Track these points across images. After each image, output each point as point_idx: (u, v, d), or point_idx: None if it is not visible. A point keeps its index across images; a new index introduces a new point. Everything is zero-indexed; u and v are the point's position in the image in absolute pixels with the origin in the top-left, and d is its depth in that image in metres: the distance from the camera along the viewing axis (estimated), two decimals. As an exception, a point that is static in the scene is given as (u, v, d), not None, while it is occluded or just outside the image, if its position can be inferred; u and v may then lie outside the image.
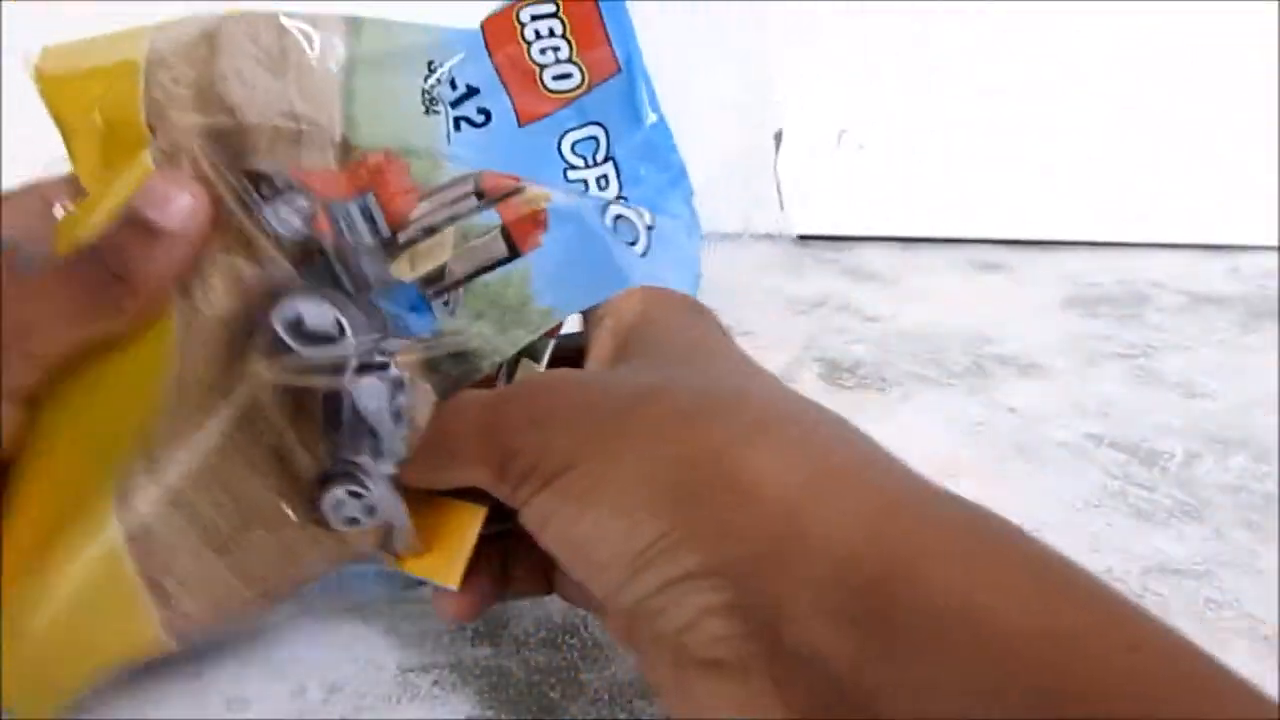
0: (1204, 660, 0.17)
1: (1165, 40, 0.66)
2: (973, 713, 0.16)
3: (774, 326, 0.53)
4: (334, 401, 0.26)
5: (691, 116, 0.31)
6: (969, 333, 0.54)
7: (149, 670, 0.27)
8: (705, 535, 0.19)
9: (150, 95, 0.26)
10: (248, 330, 0.26)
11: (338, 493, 0.25)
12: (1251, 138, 0.68)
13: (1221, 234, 0.72)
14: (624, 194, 0.29)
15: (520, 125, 0.29)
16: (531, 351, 0.28)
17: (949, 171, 0.67)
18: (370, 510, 0.26)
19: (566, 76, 0.29)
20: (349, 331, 0.26)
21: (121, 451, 0.25)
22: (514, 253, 0.27)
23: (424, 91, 0.28)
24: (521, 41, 0.29)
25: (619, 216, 0.29)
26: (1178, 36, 0.66)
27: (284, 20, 0.27)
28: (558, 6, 0.28)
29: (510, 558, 0.26)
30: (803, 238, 0.68)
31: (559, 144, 0.29)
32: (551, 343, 0.28)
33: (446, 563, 0.26)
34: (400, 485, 0.26)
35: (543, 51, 0.29)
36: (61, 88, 0.26)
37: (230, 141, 0.26)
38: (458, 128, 0.28)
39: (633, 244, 0.29)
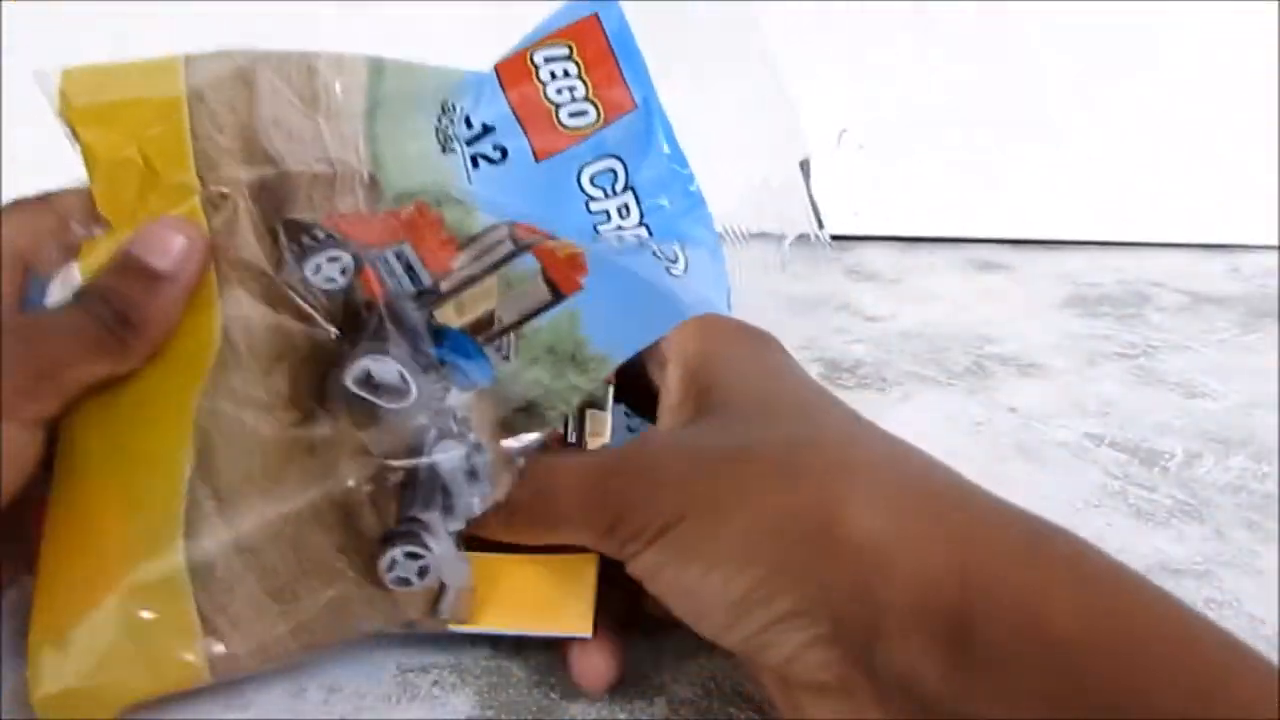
0: (1256, 659, 0.19)
1: (1165, 41, 0.66)
2: (1047, 716, 0.18)
3: (774, 326, 0.53)
4: (413, 457, 0.26)
5: (715, 156, 0.31)
6: (969, 333, 0.54)
7: (149, 670, 0.27)
8: (799, 580, 0.21)
9: (199, 146, 0.26)
10: (307, 383, 0.27)
11: (395, 553, 0.26)
12: (1251, 138, 0.68)
13: (1221, 234, 0.72)
14: (645, 221, 0.30)
15: (537, 160, 0.29)
16: (594, 400, 0.28)
17: (949, 171, 0.67)
18: (423, 572, 0.26)
19: (582, 114, 0.29)
20: (412, 382, 0.27)
21: (174, 480, 0.26)
22: (557, 295, 0.28)
23: (438, 130, 0.28)
24: (537, 82, 0.29)
25: (654, 252, 0.29)
26: (1178, 37, 0.66)
27: (313, 62, 0.28)
28: (571, 49, 0.29)
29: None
30: (803, 237, 0.68)
31: (578, 177, 0.29)
32: (611, 389, 0.29)
33: (575, 614, 0.27)
34: (465, 546, 0.27)
35: (559, 91, 0.29)
36: (94, 118, 0.27)
37: (274, 193, 0.27)
38: (475, 165, 0.29)
39: (674, 263, 0.29)
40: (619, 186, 0.29)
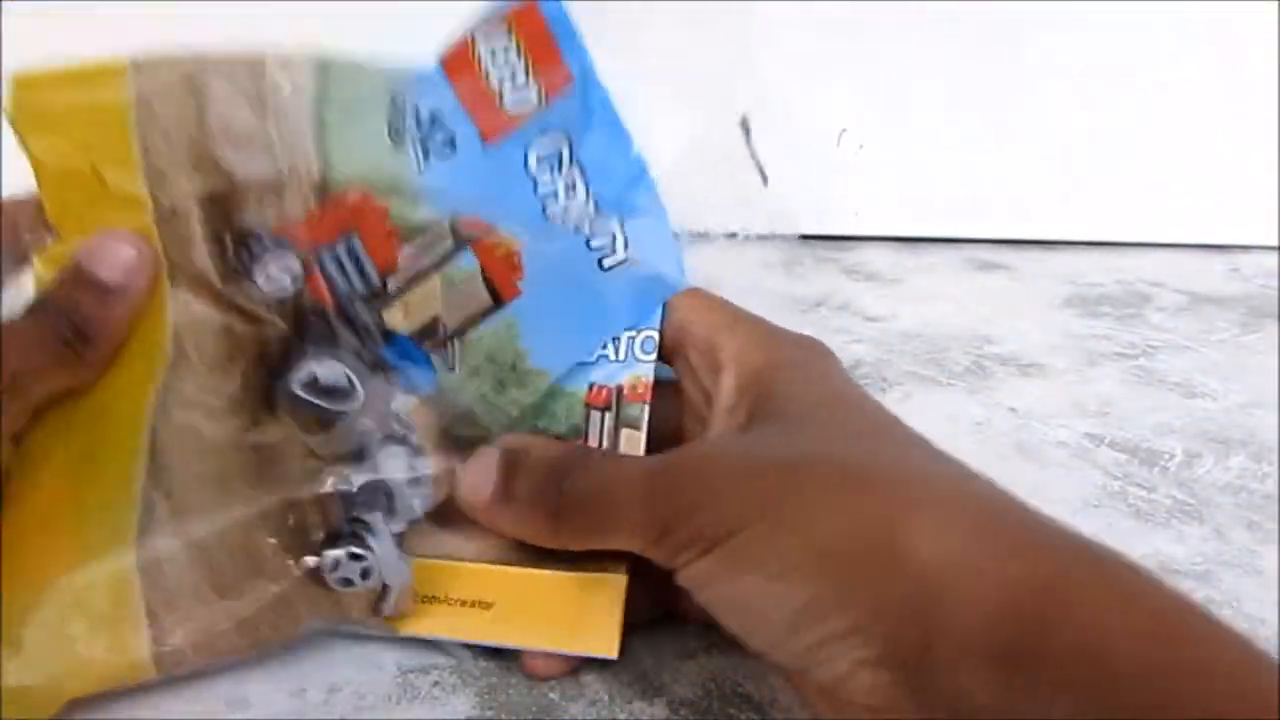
0: None
1: (1165, 41, 0.66)
2: None
3: (774, 326, 0.53)
4: (356, 465, 0.27)
5: (658, 122, 0.31)
6: (969, 333, 0.54)
7: (149, 671, 0.27)
8: (857, 599, 0.21)
9: (149, 160, 0.27)
10: (256, 387, 0.27)
11: (338, 553, 0.27)
12: (1251, 138, 0.68)
13: (1221, 234, 0.72)
14: (592, 193, 0.30)
15: (485, 145, 0.29)
16: (630, 420, 0.29)
17: (949, 171, 0.67)
18: (366, 573, 0.27)
19: (524, 97, 0.29)
20: (358, 385, 0.27)
21: (128, 484, 0.26)
22: (496, 300, 0.29)
23: (389, 125, 0.29)
24: (479, 69, 0.29)
25: (588, 241, 0.30)
26: (1178, 37, 0.66)
27: (261, 62, 0.28)
28: (510, 32, 0.29)
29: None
30: (803, 237, 0.68)
31: (525, 159, 0.30)
32: (647, 408, 0.29)
33: (603, 634, 0.27)
34: (405, 545, 0.27)
35: (500, 75, 0.29)
36: (41, 126, 0.26)
37: (223, 203, 0.27)
38: (426, 157, 0.29)
39: (609, 252, 0.30)
40: (564, 163, 0.30)
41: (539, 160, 0.30)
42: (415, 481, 0.28)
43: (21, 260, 0.27)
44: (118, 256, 0.26)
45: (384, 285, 0.28)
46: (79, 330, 0.25)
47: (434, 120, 0.29)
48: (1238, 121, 0.68)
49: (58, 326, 0.25)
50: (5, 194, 0.27)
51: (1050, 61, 0.66)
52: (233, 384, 0.27)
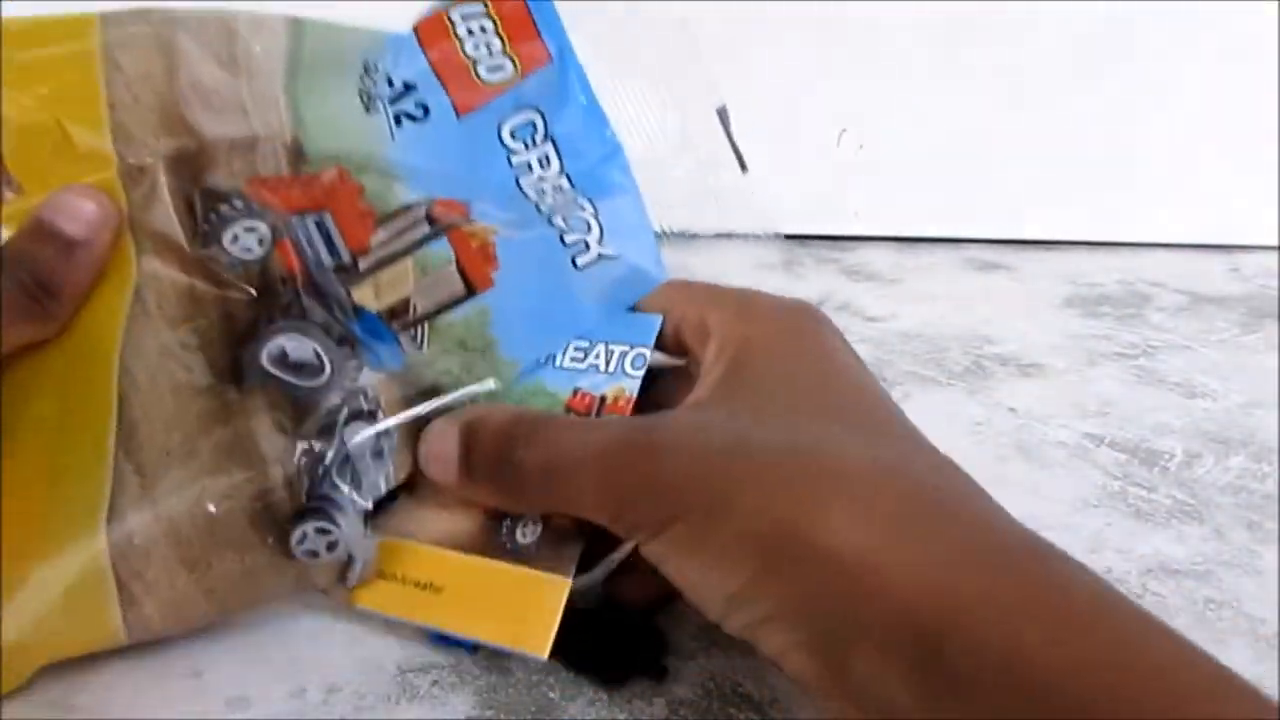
0: (1241, 687, 0.19)
1: (1165, 40, 0.66)
2: None
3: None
4: (324, 441, 0.28)
5: (631, 107, 0.32)
6: (969, 333, 0.54)
7: (149, 670, 0.27)
8: (781, 587, 0.22)
9: (116, 118, 0.26)
10: (223, 356, 0.27)
11: (306, 528, 0.27)
12: (1251, 138, 0.68)
13: (1222, 234, 0.72)
14: (566, 170, 0.30)
15: (459, 117, 0.30)
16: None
17: (949, 171, 0.67)
18: (331, 546, 0.27)
19: (500, 69, 0.30)
20: (326, 360, 0.28)
21: (99, 449, 0.26)
22: (470, 289, 0.29)
23: (361, 90, 0.29)
24: (454, 39, 0.30)
25: (568, 218, 0.30)
26: (1178, 37, 0.66)
27: (232, 23, 0.28)
28: (486, 5, 0.30)
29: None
30: (803, 237, 0.68)
31: (499, 131, 0.30)
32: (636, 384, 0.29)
33: (537, 634, 0.27)
34: (370, 520, 0.28)
35: (475, 47, 0.30)
36: (5, 79, 0.26)
37: (192, 163, 0.27)
38: (399, 123, 0.29)
39: (582, 247, 0.30)
40: (539, 138, 0.30)
41: (513, 133, 0.30)
42: (380, 457, 0.28)
43: None
44: (80, 210, 0.25)
45: (354, 263, 0.29)
46: (43, 283, 0.25)
47: (407, 87, 0.29)
48: (1238, 121, 0.68)
49: (22, 280, 0.25)
50: None
51: (1050, 61, 0.66)
52: (195, 343, 0.27)
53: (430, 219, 0.29)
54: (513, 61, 0.30)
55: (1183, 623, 0.31)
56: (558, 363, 0.30)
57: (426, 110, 0.29)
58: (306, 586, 0.28)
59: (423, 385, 0.29)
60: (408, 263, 0.29)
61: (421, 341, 0.29)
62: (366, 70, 0.29)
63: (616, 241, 0.31)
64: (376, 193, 0.29)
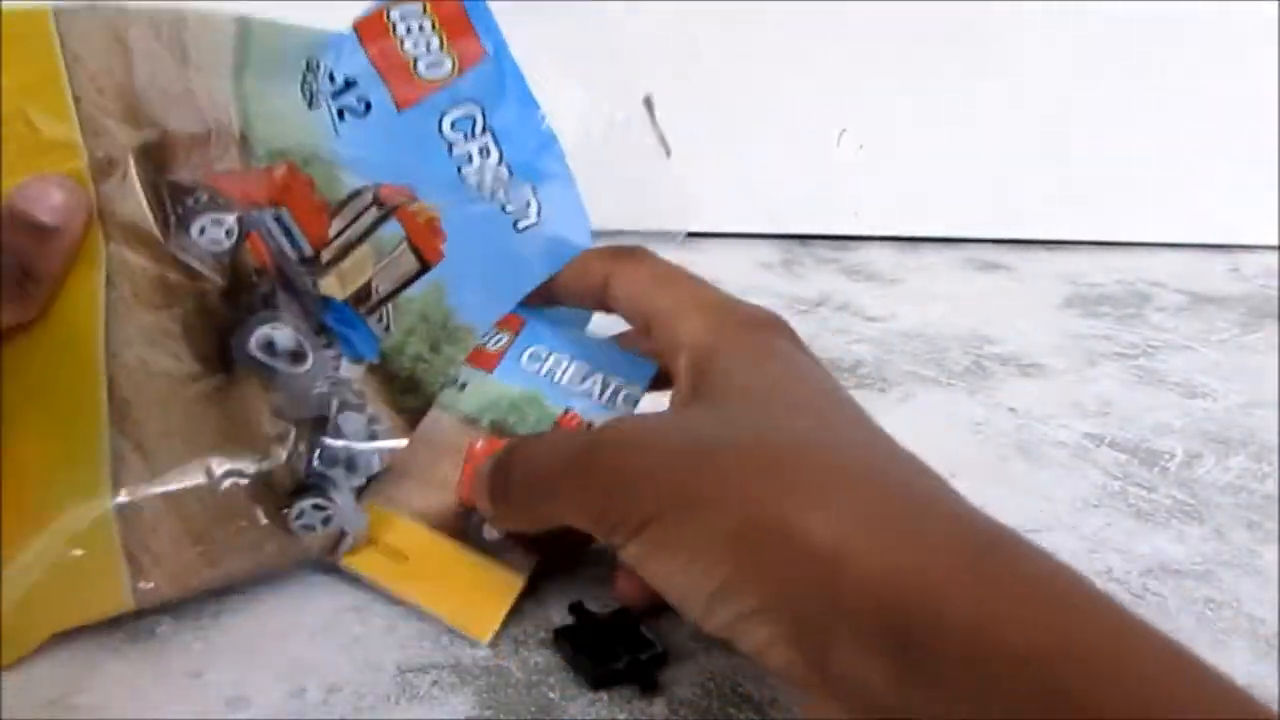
0: (1198, 667, 0.19)
1: (1165, 41, 0.66)
2: None
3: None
4: (319, 427, 0.30)
5: (562, 98, 0.33)
6: (969, 333, 0.54)
7: (149, 670, 0.27)
8: (761, 581, 0.22)
9: (83, 111, 0.27)
10: (208, 343, 0.28)
11: (303, 504, 0.29)
12: (1251, 138, 0.68)
13: (1222, 234, 0.72)
14: (505, 160, 0.32)
15: (399, 111, 0.31)
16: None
17: (949, 171, 0.67)
18: (326, 521, 0.29)
19: (439, 65, 0.31)
20: (308, 348, 0.30)
21: (94, 431, 0.27)
22: (424, 264, 0.31)
23: (303, 87, 0.30)
24: (394, 37, 0.31)
25: (504, 206, 0.32)
26: (1178, 37, 0.66)
27: (182, 18, 0.28)
28: (424, 5, 0.31)
29: None
30: (803, 237, 0.68)
31: (439, 124, 0.31)
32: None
33: (483, 621, 0.29)
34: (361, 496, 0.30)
35: (414, 45, 0.31)
36: None
37: (156, 154, 0.28)
38: (341, 118, 0.30)
39: (524, 217, 0.32)
40: (478, 129, 0.31)
41: (453, 125, 0.31)
42: (374, 439, 0.30)
43: None
44: (51, 200, 0.26)
45: (317, 256, 0.30)
46: (26, 270, 0.26)
47: (348, 84, 0.31)
48: (1238, 121, 0.68)
49: (8, 265, 0.26)
50: None
51: (1051, 62, 0.66)
52: (178, 330, 0.28)
53: (378, 202, 0.30)
54: (451, 58, 0.31)
55: (1183, 623, 0.31)
56: (557, 379, 0.32)
57: (368, 106, 0.31)
58: (302, 556, 0.30)
59: (400, 374, 0.31)
60: (365, 248, 0.30)
61: (388, 322, 0.31)
62: (309, 67, 0.30)
63: (554, 222, 0.32)
64: (325, 183, 0.30)
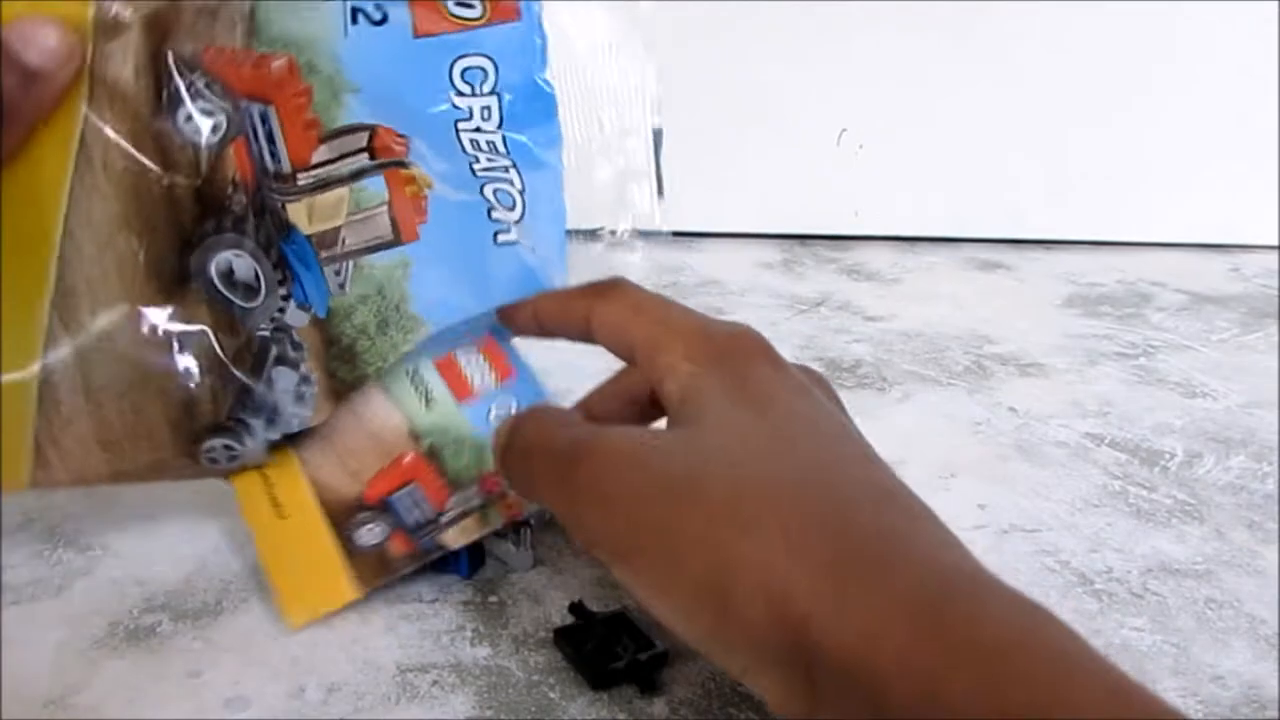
0: (1142, 703, 0.19)
1: (1165, 40, 0.66)
2: None
3: (774, 327, 0.53)
4: (254, 373, 0.30)
5: (576, 102, 0.32)
6: (969, 333, 0.54)
7: (148, 670, 0.27)
8: (744, 639, 0.22)
9: None
10: (166, 252, 0.28)
11: (216, 442, 0.30)
12: (1251, 138, 0.68)
13: (1222, 234, 0.72)
14: (504, 129, 0.31)
15: (415, 37, 0.29)
16: None
17: (949, 171, 0.67)
18: (232, 459, 0.30)
19: (469, 5, 0.30)
20: (263, 283, 0.29)
21: (36, 302, 0.27)
22: (397, 237, 0.30)
23: None
24: None
25: (496, 190, 0.31)
26: (1178, 36, 0.66)
27: None
28: None
29: None
30: (803, 237, 0.68)
31: (450, 68, 0.30)
32: None
33: (301, 609, 0.29)
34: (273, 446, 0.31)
35: None
36: None
37: (162, 22, 0.27)
38: (354, 20, 0.29)
39: (506, 224, 0.31)
40: (486, 87, 0.30)
41: (463, 74, 0.30)
42: (299, 400, 0.30)
43: None
44: (45, 43, 0.25)
45: (294, 175, 0.29)
46: (2, 110, 0.25)
47: None
48: (1238, 121, 0.68)
49: None
50: None
51: (1050, 62, 0.66)
52: (139, 227, 0.28)
53: (372, 149, 0.30)
54: (484, 4, 0.30)
55: (1183, 623, 0.31)
56: (494, 417, 0.32)
57: (385, 18, 0.29)
58: (199, 477, 0.31)
59: (342, 340, 0.31)
60: (344, 192, 0.30)
61: (344, 280, 0.30)
62: None
63: (534, 226, 0.31)
64: (323, 103, 0.29)
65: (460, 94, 0.30)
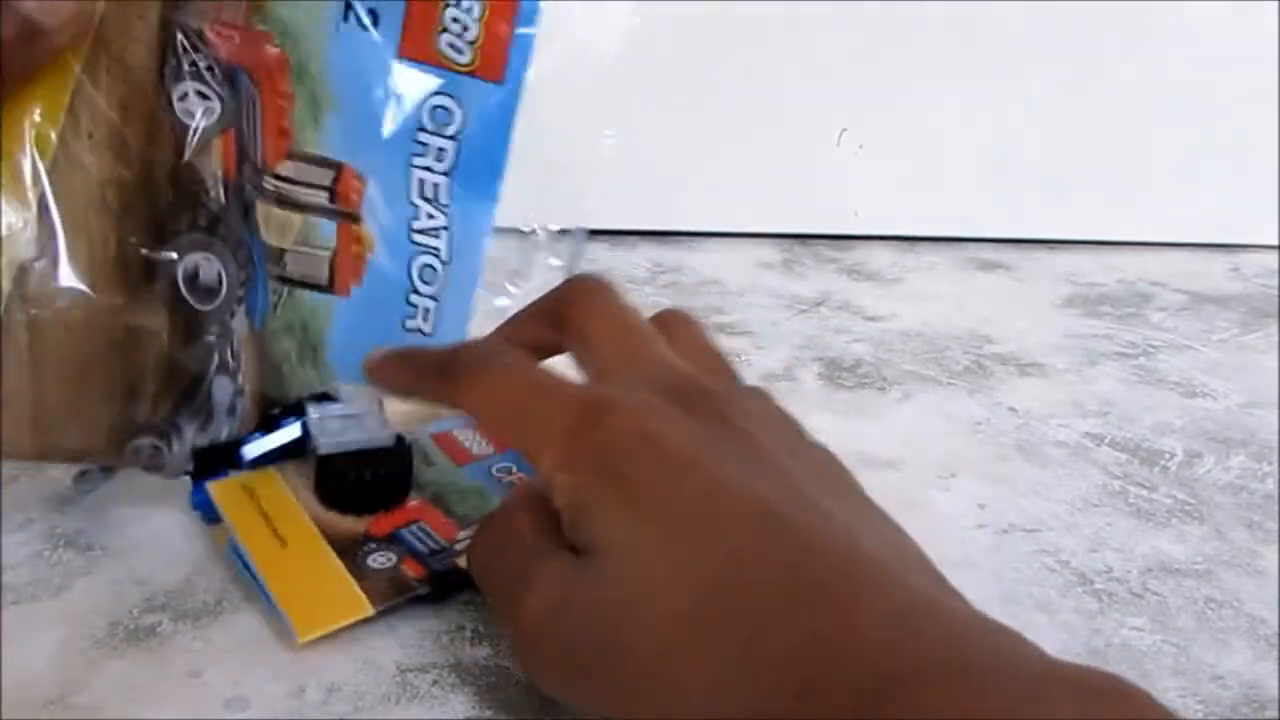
0: None
1: (1165, 40, 0.66)
2: None
3: (774, 326, 0.53)
4: (198, 382, 0.30)
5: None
6: (969, 333, 0.54)
7: (148, 670, 0.27)
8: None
9: None
10: (142, 237, 0.28)
11: (145, 442, 0.30)
12: (1251, 138, 0.68)
13: (1222, 234, 0.72)
14: (454, 177, 0.31)
15: (399, 57, 0.30)
16: None
17: (949, 171, 0.67)
18: (154, 458, 0.30)
19: (459, 51, 0.30)
20: (224, 287, 0.30)
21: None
22: (331, 286, 0.31)
23: None
24: (439, 1, 0.30)
25: (423, 268, 0.32)
26: (1178, 37, 0.66)
27: None
28: (485, 3, 0.30)
29: None
30: (803, 237, 0.68)
31: (423, 100, 0.30)
32: None
33: (310, 624, 0.28)
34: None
35: (453, 19, 0.30)
36: None
37: None
38: (345, 18, 0.29)
39: (429, 285, 0.32)
40: (449, 130, 0.31)
41: (432, 111, 0.31)
42: (232, 414, 0.31)
43: None
44: (57, 4, 0.25)
45: (264, 176, 0.30)
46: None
47: None
48: (1238, 122, 0.68)
49: None
50: None
51: (1050, 61, 0.66)
52: (116, 206, 0.28)
53: (334, 193, 0.30)
54: (473, 54, 0.30)
55: (1183, 623, 0.31)
56: (510, 482, 0.33)
57: (376, 21, 0.29)
58: (117, 467, 0.31)
59: (271, 360, 0.31)
60: (297, 219, 0.30)
61: (279, 303, 0.31)
62: None
63: (446, 300, 0.32)
64: (301, 121, 0.29)
65: (423, 128, 0.31)
